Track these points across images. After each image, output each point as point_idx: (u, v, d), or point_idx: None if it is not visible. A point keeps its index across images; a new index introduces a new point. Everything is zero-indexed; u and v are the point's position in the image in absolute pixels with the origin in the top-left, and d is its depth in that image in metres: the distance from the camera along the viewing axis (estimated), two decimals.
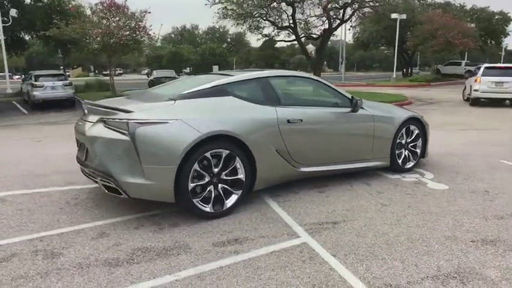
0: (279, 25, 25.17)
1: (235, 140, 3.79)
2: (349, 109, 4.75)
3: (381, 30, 40.42)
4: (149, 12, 17.99)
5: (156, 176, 3.48)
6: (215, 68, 41.26)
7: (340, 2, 23.31)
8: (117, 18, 17.58)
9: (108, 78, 23.35)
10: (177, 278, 2.73)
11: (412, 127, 5.35)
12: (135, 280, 2.72)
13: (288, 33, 26.70)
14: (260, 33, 26.25)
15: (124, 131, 3.46)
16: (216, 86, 4.07)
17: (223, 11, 23.74)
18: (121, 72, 72.83)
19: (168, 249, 3.18)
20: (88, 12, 20.75)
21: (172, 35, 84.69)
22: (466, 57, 46.12)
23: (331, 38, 26.57)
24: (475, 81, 14.82)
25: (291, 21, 24.39)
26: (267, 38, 27.07)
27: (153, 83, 22.77)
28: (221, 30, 75.20)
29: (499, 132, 9.16)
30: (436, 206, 4.12)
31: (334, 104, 4.77)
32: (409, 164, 5.42)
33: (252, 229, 3.55)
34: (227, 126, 3.75)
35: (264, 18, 25.30)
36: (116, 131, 3.52)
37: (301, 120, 4.28)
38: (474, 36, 36.81)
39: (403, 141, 5.31)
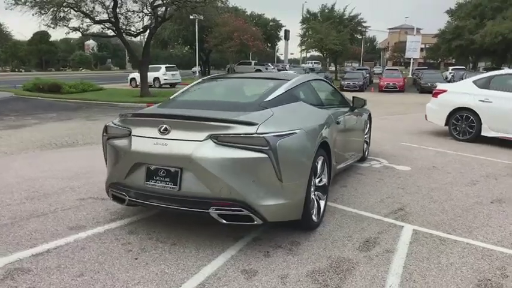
0: (96, 18, 22.74)
1: (325, 145, 3.78)
2: (348, 108, 5.25)
3: (181, 29, 41.62)
4: None
5: (293, 193, 3.15)
6: None
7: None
8: None
9: None
10: None
11: (368, 121, 6.30)
12: None
13: (103, 28, 24.43)
14: (66, 26, 23.06)
15: (261, 147, 2.96)
16: (286, 91, 3.87)
17: None
18: None
19: (335, 267, 3.00)
20: None
21: None
22: (250, 57, 52.50)
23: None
24: None
25: (110, 15, 22.41)
26: (79, 32, 24.04)
27: None
28: None
29: None
30: (422, 180, 5.17)
31: (341, 104, 5.17)
32: (366, 153, 6.37)
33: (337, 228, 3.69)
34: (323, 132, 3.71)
35: (76, 9, 22.39)
36: (246, 148, 2.96)
37: (339, 122, 4.53)
38: (261, 39, 42.60)
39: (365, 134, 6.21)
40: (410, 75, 32.32)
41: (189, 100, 4.00)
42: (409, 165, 6.05)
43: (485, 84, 7.78)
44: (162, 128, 3.11)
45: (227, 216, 3.03)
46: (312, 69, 38.48)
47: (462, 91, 8.07)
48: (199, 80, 4.57)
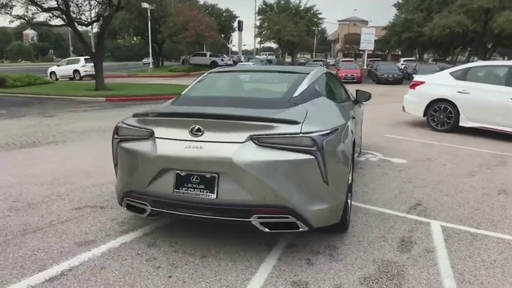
0: (44, 6, 21.13)
1: (354, 142, 3.63)
2: (352, 101, 5.13)
3: (133, 18, 39.75)
4: None
5: (336, 195, 2.94)
6: None
7: None
8: None
9: None
10: None
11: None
12: None
13: (52, 16, 22.80)
14: (8, 13, 21.26)
15: (308, 148, 2.71)
16: (309, 86, 3.63)
17: None
18: None
19: (385, 271, 2.85)
20: None
21: None
22: (204, 48, 51.51)
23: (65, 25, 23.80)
24: None
25: (60, 2, 20.91)
26: (24, 20, 22.22)
27: None
28: None
29: None
30: (423, 173, 5.22)
31: (348, 97, 5.03)
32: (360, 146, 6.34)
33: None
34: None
35: None
36: (290, 150, 2.71)
37: (354, 117, 4.39)
38: (216, 30, 41.84)
39: None
40: (365, 67, 33.32)
41: (209, 97, 3.65)
42: (404, 158, 6.08)
43: (462, 76, 8.04)
44: (195, 129, 2.76)
45: (270, 224, 2.77)
46: (269, 61, 38.59)
47: (440, 83, 8.28)
48: (206, 74, 4.19)
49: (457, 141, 7.40)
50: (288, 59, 53.20)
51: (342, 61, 34.19)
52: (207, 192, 2.76)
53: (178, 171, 2.82)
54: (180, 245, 3.16)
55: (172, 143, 2.83)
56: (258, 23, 41.20)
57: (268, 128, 2.72)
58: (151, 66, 39.13)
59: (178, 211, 2.88)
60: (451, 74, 8.22)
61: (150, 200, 2.94)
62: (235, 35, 58.54)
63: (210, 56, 43.98)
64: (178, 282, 2.66)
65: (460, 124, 7.98)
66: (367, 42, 32.00)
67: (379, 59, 42.12)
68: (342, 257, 3.03)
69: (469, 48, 42.48)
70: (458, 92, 7.92)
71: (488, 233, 3.50)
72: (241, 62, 45.09)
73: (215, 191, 2.74)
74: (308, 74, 3.85)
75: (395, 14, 45.68)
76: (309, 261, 2.97)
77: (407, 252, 3.14)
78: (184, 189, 2.80)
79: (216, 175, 2.74)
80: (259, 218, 2.74)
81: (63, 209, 3.91)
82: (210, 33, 38.17)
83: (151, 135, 2.92)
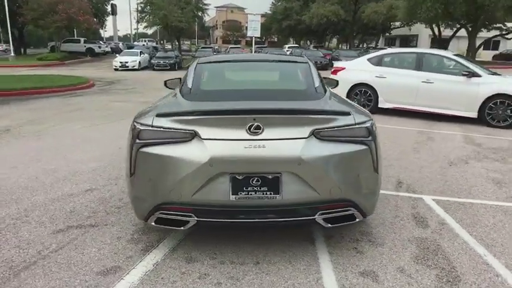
0: None
1: None
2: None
3: None
4: None
5: (380, 183, 3.01)
6: None
7: None
8: None
9: None
10: None
11: None
12: None
13: None
14: None
15: (363, 138, 2.70)
16: (317, 75, 3.60)
17: None
18: None
19: (426, 248, 3.06)
20: None
21: None
22: (75, 34, 46.55)
23: None
24: None
25: None
26: None
27: None
28: None
29: None
30: (383, 153, 5.72)
31: None
32: None
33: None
34: None
35: None
36: (348, 141, 2.66)
37: None
38: (90, 14, 38.03)
39: None
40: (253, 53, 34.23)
41: (232, 90, 3.31)
42: None
43: (378, 62, 8.89)
44: (254, 127, 2.51)
45: (332, 219, 2.72)
46: (155, 48, 36.78)
47: (359, 68, 9.02)
48: (196, 65, 3.74)
49: (387, 122, 8.12)
50: (168, 46, 51.35)
51: (231, 47, 34.52)
52: (271, 194, 2.56)
53: (234, 175, 2.54)
54: (221, 255, 2.88)
55: (225, 143, 2.53)
56: (139, 7, 38.69)
57: (329, 121, 2.64)
58: (12, 55, 33.80)
59: (236, 218, 2.61)
60: (369, 60, 9.02)
61: (196, 210, 2.60)
62: (109, 20, 54.15)
63: (85, 42, 39.97)
64: None
65: (379, 106, 8.84)
66: (254, 29, 32.66)
67: (265, 45, 43.74)
68: (381, 241, 3.15)
69: (337, 36, 47.16)
70: (376, 76, 8.75)
71: (471, 201, 4.01)
72: (120, 48, 41.91)
73: (280, 192, 2.56)
74: (304, 63, 3.80)
75: (272, 2, 47.88)
76: (356, 249, 3.01)
77: (428, 227, 3.41)
78: (243, 193, 2.55)
79: (279, 174, 2.55)
80: (322, 214, 2.66)
81: (41, 234, 3.20)
82: (85, 17, 34.60)
83: (193, 137, 2.56)
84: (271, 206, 2.59)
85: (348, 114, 2.73)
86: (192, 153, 2.54)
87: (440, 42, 28.49)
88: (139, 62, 24.76)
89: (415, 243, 3.12)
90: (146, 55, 27.51)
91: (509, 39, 27.61)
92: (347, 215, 2.75)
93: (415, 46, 39.50)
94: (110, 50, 42.95)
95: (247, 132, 2.52)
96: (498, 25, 26.16)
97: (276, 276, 2.64)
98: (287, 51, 32.87)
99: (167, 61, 25.03)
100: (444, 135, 6.89)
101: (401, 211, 3.72)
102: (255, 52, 35.22)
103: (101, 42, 45.98)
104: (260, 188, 2.56)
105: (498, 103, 7.64)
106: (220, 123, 2.58)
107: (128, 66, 24.03)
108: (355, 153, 2.68)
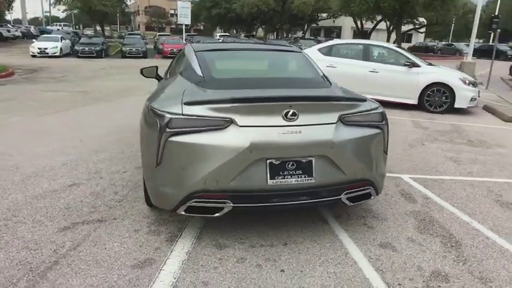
0: None
1: None
2: None
3: None
4: None
5: (386, 163, 3.29)
6: None
7: None
8: None
9: None
10: None
11: None
12: None
13: None
14: None
15: (378, 123, 2.95)
16: (317, 64, 3.79)
17: None
18: None
19: (430, 221, 3.43)
20: None
21: None
22: None
23: None
24: None
25: None
26: None
27: None
28: None
29: None
30: None
31: None
32: None
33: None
34: None
35: None
36: (367, 126, 2.89)
37: None
38: None
39: None
40: (184, 41, 33.44)
41: (247, 78, 3.32)
42: None
43: (328, 52, 9.35)
44: (290, 114, 2.61)
45: (354, 198, 2.94)
46: (76, 34, 34.16)
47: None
48: (195, 53, 3.63)
49: None
50: (87, 32, 47.90)
51: (160, 35, 33.30)
52: (305, 177, 2.70)
53: (271, 160, 2.63)
54: (248, 240, 2.96)
55: (263, 130, 2.60)
56: None
57: (353, 107, 2.85)
58: None
59: (271, 202, 2.71)
60: (319, 50, 9.44)
61: (232, 196, 2.64)
62: (17, 1, 48.79)
63: None
64: (297, 273, 2.57)
65: None
66: (184, 16, 32.02)
67: (196, 34, 42.90)
68: (384, 216, 3.46)
69: (264, 26, 47.97)
70: (327, 66, 9.19)
71: (441, 177, 4.53)
72: (32, 33, 38.23)
73: (313, 175, 2.70)
74: (300, 52, 3.98)
75: None
76: (366, 225, 3.28)
77: (416, 202, 3.81)
78: (280, 177, 2.65)
79: (312, 158, 2.70)
80: (346, 193, 2.86)
81: (45, 233, 2.99)
82: None
83: (229, 124, 2.59)
84: (305, 189, 2.72)
85: (364, 100, 2.96)
86: (230, 140, 2.56)
87: (362, 35, 30.46)
88: (61, 48, 22.87)
89: (413, 216, 3.48)
90: (68, 41, 25.50)
91: (422, 32, 30.43)
92: (365, 194, 2.99)
93: (338, 37, 41.72)
94: (20, 34, 38.98)
95: (284, 119, 2.62)
96: (413, 20, 28.69)
97: (308, 254, 2.80)
98: (218, 39, 32.72)
99: (93, 48, 23.42)
100: (396, 121, 7.53)
101: (389, 189, 4.09)
102: (185, 40, 34.51)
103: (8, 25, 41.41)
104: (295, 172, 2.68)
105: (435, 91, 8.54)
106: (257, 110, 2.63)
107: (47, 53, 22.04)
108: (372, 136, 2.93)
